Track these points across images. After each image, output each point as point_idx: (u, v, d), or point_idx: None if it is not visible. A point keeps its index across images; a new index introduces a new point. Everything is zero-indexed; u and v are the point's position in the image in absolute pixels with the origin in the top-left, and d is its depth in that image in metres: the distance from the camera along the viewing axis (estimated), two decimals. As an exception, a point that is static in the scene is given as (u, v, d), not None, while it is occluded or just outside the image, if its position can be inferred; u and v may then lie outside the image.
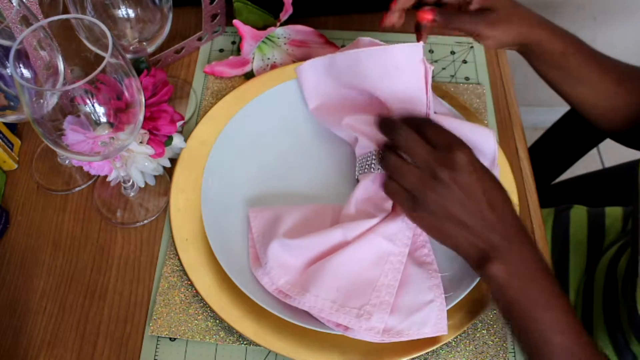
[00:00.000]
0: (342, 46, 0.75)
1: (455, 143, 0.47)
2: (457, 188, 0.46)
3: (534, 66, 0.62)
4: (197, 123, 0.63)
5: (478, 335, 0.54)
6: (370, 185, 0.55)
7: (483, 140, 0.55)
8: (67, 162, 0.63)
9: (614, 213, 0.76)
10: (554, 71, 0.61)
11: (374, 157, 0.55)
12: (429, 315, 0.49)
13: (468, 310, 0.53)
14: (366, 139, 0.57)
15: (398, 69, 0.55)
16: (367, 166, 0.56)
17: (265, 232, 0.54)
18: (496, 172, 0.55)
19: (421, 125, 0.48)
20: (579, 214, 0.78)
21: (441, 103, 0.63)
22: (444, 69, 0.73)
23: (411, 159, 0.47)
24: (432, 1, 0.59)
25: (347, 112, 0.60)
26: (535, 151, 0.94)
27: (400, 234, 0.51)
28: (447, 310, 0.51)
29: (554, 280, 0.46)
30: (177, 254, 0.56)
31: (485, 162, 0.53)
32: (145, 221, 0.60)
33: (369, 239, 0.51)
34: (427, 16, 0.58)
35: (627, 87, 0.60)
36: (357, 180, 0.58)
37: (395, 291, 0.49)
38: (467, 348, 0.53)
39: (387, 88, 0.56)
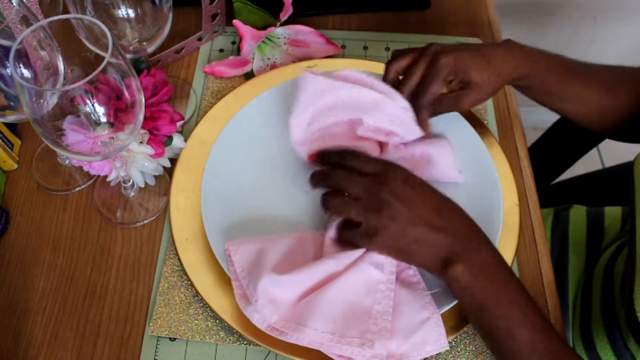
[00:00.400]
0: (343, 46, 0.75)
1: (387, 164, 0.50)
2: (400, 204, 0.47)
3: (521, 91, 0.63)
4: (197, 123, 0.63)
5: (478, 335, 0.54)
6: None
7: (441, 151, 0.59)
8: (67, 162, 0.63)
9: (613, 213, 0.76)
10: (539, 97, 0.62)
11: None
12: (428, 333, 0.49)
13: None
14: None
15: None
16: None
17: (251, 268, 0.52)
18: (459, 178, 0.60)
19: (349, 159, 0.52)
20: (578, 214, 0.78)
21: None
22: (444, 69, 0.73)
23: (351, 193, 0.50)
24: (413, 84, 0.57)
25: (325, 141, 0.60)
26: (535, 151, 0.94)
27: (386, 261, 0.51)
28: (447, 311, 0.51)
29: (515, 277, 0.48)
30: (177, 254, 0.56)
31: (449, 172, 0.59)
32: (145, 221, 0.60)
33: (359, 268, 0.50)
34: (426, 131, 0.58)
35: (613, 93, 0.61)
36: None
37: (391, 317, 0.49)
38: (467, 348, 0.53)
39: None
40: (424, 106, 0.55)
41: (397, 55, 0.58)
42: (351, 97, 0.59)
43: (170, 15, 0.58)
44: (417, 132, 0.58)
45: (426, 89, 0.54)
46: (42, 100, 0.42)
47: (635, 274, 0.52)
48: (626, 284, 0.55)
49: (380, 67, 0.67)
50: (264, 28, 0.68)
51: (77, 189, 0.62)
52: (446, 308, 0.51)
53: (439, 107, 0.56)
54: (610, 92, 0.61)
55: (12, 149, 0.62)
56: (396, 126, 0.58)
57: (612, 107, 0.61)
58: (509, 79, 0.57)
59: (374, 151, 0.59)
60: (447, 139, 0.61)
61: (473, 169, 0.60)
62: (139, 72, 0.56)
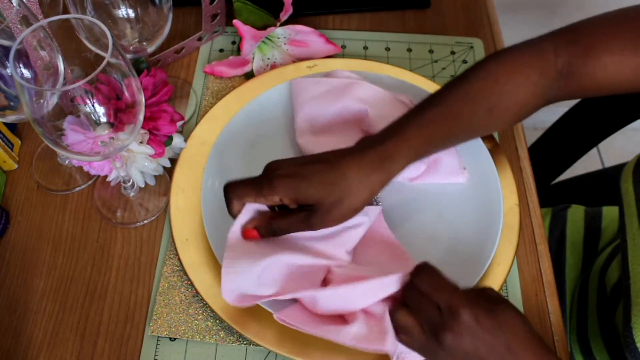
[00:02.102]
0: (343, 46, 0.75)
1: (457, 302, 0.43)
2: (460, 355, 0.43)
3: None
4: (197, 123, 0.63)
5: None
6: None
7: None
8: (67, 162, 0.63)
9: (610, 214, 0.76)
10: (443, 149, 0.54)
11: None
12: None
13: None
14: None
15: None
16: None
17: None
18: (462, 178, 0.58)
19: (426, 282, 0.45)
20: (576, 214, 0.78)
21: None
22: (444, 69, 0.73)
23: (419, 317, 0.45)
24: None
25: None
26: (535, 151, 0.94)
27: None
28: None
29: None
30: (177, 254, 0.56)
31: (453, 172, 0.56)
32: (145, 221, 0.60)
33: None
34: (252, 235, 0.51)
35: (501, 111, 0.52)
36: None
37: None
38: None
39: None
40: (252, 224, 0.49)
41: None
42: (345, 84, 0.62)
43: (170, 15, 0.58)
44: None
45: (242, 196, 0.49)
46: (42, 100, 0.42)
47: (632, 303, 0.52)
48: (620, 301, 0.54)
49: (380, 67, 0.68)
50: (264, 28, 0.68)
51: (77, 189, 0.62)
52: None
53: (284, 224, 0.49)
54: (494, 114, 0.52)
55: (12, 149, 0.62)
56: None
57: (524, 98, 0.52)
58: (375, 192, 0.49)
59: None
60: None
61: (473, 169, 0.60)
62: (139, 72, 0.56)
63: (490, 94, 0.50)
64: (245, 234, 0.49)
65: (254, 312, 0.51)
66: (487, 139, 0.63)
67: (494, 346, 0.42)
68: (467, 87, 0.50)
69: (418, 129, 0.49)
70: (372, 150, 0.48)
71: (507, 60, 0.51)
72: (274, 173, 0.48)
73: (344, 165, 0.47)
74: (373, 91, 0.62)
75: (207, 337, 0.53)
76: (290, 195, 0.47)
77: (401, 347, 0.47)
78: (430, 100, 0.51)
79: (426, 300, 0.44)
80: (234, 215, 0.50)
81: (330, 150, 0.49)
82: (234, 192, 0.49)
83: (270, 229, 0.49)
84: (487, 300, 0.44)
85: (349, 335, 0.47)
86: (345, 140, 0.60)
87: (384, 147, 0.48)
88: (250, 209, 0.49)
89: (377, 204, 0.58)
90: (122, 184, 0.60)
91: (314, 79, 0.64)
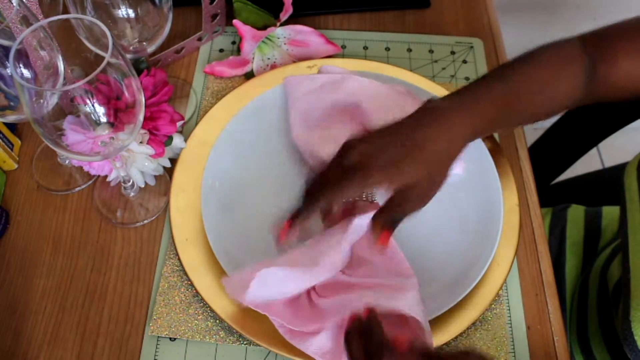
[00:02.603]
0: (343, 46, 0.75)
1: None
2: None
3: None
4: (197, 123, 0.63)
5: (478, 335, 0.54)
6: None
7: None
8: (67, 162, 0.63)
9: (610, 214, 0.76)
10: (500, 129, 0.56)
11: None
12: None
13: (467, 310, 0.53)
14: None
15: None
16: None
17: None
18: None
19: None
20: (576, 214, 0.78)
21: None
22: (443, 69, 0.73)
23: None
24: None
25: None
26: (535, 151, 0.94)
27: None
28: (447, 311, 0.51)
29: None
30: (177, 254, 0.56)
31: None
32: (145, 221, 0.60)
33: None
34: (384, 241, 0.49)
35: (553, 94, 0.54)
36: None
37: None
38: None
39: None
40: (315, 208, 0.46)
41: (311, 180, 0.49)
42: (337, 79, 0.63)
43: (170, 15, 0.58)
44: None
45: (341, 189, 0.45)
46: (42, 100, 0.42)
47: (631, 295, 0.52)
48: (620, 298, 0.54)
49: (380, 67, 0.68)
50: (264, 28, 0.68)
51: (77, 189, 0.62)
52: (450, 306, 0.51)
53: (393, 215, 0.47)
54: (548, 95, 0.54)
55: (12, 149, 0.62)
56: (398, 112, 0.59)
57: (566, 90, 0.54)
58: (462, 149, 0.49)
59: None
60: None
61: (473, 169, 0.60)
62: (139, 72, 0.56)
63: (545, 78, 0.52)
64: (381, 240, 0.47)
65: (254, 312, 0.51)
66: (487, 138, 0.63)
67: None
68: (531, 70, 0.52)
69: (483, 105, 0.49)
70: (444, 122, 0.48)
71: (560, 52, 0.53)
72: (364, 162, 0.46)
73: (427, 142, 0.47)
74: (365, 84, 0.63)
75: (207, 337, 0.53)
76: (391, 182, 0.46)
77: None
78: (495, 77, 0.52)
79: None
80: (329, 222, 0.49)
81: (401, 123, 0.48)
82: (322, 196, 0.46)
83: (394, 220, 0.47)
84: None
85: (312, 346, 0.47)
86: (340, 134, 0.61)
87: (451, 122, 0.48)
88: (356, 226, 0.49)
89: (372, 202, 0.58)
90: (122, 184, 0.60)
91: (306, 75, 0.65)
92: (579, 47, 0.53)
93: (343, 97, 0.61)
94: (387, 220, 0.47)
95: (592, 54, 0.52)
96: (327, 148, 0.59)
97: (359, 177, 0.45)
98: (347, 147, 0.48)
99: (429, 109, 0.49)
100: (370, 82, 0.63)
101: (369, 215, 0.53)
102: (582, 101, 0.54)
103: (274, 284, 0.48)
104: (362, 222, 0.52)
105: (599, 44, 0.53)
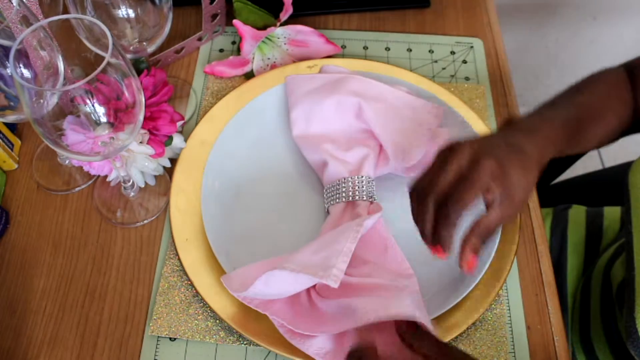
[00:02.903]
0: (343, 46, 0.75)
1: None
2: None
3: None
4: (197, 123, 0.63)
5: (478, 335, 0.54)
6: (339, 220, 0.55)
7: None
8: (67, 162, 0.63)
9: (611, 214, 0.76)
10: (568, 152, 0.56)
11: (344, 185, 0.57)
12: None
13: (467, 310, 0.53)
14: (339, 164, 0.58)
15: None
16: (336, 195, 0.57)
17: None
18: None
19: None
20: (577, 214, 0.78)
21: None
22: (444, 69, 0.73)
23: None
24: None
25: (327, 138, 0.62)
26: (535, 151, 0.94)
27: None
28: (447, 311, 0.51)
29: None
30: (177, 254, 0.56)
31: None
32: (145, 221, 0.60)
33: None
34: (473, 264, 0.45)
35: (606, 121, 0.57)
36: (327, 212, 0.58)
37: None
38: (467, 348, 0.53)
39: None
40: (453, 221, 0.43)
41: (417, 178, 0.47)
42: (337, 79, 0.63)
43: (170, 15, 0.58)
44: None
45: (459, 198, 0.42)
46: (42, 100, 0.42)
47: (636, 293, 0.52)
48: (623, 296, 0.54)
49: (380, 67, 0.68)
50: (264, 28, 0.68)
51: (77, 189, 0.62)
52: (450, 306, 0.51)
53: (484, 229, 0.44)
54: (602, 123, 0.56)
55: (12, 149, 0.62)
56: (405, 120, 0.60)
57: (611, 129, 0.57)
58: (540, 168, 0.49)
59: (374, 149, 0.60)
60: (446, 130, 0.62)
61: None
62: (139, 72, 0.56)
63: (601, 108, 0.55)
64: (470, 266, 0.44)
65: (254, 312, 0.51)
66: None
67: None
68: (585, 98, 0.55)
69: (557, 126, 0.51)
70: (532, 143, 0.48)
71: (607, 81, 0.58)
72: (479, 154, 0.44)
73: (529, 150, 0.47)
74: (365, 84, 0.63)
75: (207, 337, 0.53)
76: (496, 165, 0.43)
77: None
78: (555, 104, 0.54)
79: None
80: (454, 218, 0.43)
81: (501, 138, 0.48)
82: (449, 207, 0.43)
83: (491, 231, 0.44)
84: None
85: (312, 347, 0.48)
86: (339, 133, 0.60)
87: (538, 141, 0.48)
88: None
89: (372, 202, 0.58)
90: (122, 184, 0.60)
91: (307, 75, 0.65)
92: (624, 74, 0.58)
93: (344, 96, 0.61)
94: (476, 242, 0.44)
95: (634, 81, 0.57)
96: (326, 147, 0.60)
97: (475, 177, 0.43)
98: (452, 149, 0.46)
99: (513, 125, 0.50)
100: (371, 82, 0.63)
101: (375, 216, 0.53)
102: (631, 123, 0.58)
103: (277, 285, 0.48)
104: (368, 223, 0.52)
105: (637, 72, 0.58)
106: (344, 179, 0.57)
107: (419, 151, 0.59)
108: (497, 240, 0.55)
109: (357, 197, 0.56)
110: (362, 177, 0.57)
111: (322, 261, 0.48)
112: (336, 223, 0.56)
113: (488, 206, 0.44)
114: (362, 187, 0.57)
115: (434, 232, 0.44)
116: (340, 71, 0.66)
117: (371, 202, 0.57)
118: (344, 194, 0.57)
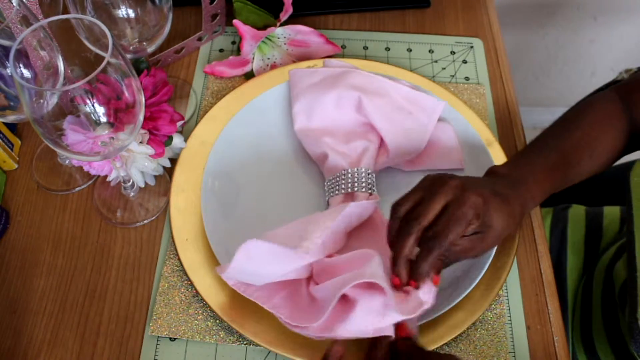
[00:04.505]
0: (343, 47, 0.75)
1: None
2: None
3: None
4: (197, 123, 0.63)
5: (478, 335, 0.54)
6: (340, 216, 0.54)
7: (445, 134, 0.62)
8: (67, 162, 0.63)
9: (611, 213, 0.76)
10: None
11: (343, 177, 0.57)
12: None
13: (467, 310, 0.53)
14: (339, 157, 0.59)
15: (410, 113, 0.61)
16: (336, 187, 0.57)
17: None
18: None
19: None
20: (577, 214, 0.78)
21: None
22: (444, 69, 0.73)
23: None
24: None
25: (329, 130, 0.62)
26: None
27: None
28: (447, 311, 0.51)
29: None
30: (177, 254, 0.56)
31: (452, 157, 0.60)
32: (145, 221, 0.60)
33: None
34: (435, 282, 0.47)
35: (601, 153, 0.57)
36: (328, 204, 0.58)
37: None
38: (467, 348, 0.53)
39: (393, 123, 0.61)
40: (435, 255, 0.44)
41: (401, 200, 0.48)
42: (339, 73, 0.64)
43: (170, 15, 0.58)
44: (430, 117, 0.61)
45: (445, 232, 0.44)
46: (42, 100, 0.42)
47: (638, 293, 0.52)
48: (628, 299, 0.54)
49: (380, 67, 0.68)
50: (264, 28, 0.68)
51: (77, 189, 0.62)
52: (451, 305, 0.51)
53: (451, 255, 0.46)
54: (597, 155, 0.57)
55: (12, 149, 0.62)
56: (407, 113, 0.61)
57: (609, 157, 0.58)
58: (520, 220, 0.51)
59: (374, 142, 0.60)
60: (450, 125, 0.62)
61: (473, 169, 0.60)
62: (139, 72, 0.56)
63: (591, 141, 0.56)
64: (435, 282, 0.46)
65: (254, 312, 0.51)
66: (487, 138, 0.63)
67: None
68: (574, 134, 0.56)
69: (541, 176, 0.52)
70: (515, 196, 0.49)
71: (597, 109, 0.58)
72: (466, 190, 0.46)
73: (512, 202, 0.49)
74: (366, 78, 0.63)
75: (207, 337, 0.53)
76: (482, 202, 0.45)
77: None
78: (543, 145, 0.56)
79: None
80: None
81: (488, 183, 0.49)
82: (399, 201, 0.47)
83: (455, 258, 0.47)
84: None
85: (309, 330, 0.47)
86: (339, 127, 0.61)
87: (521, 195, 0.50)
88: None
89: (371, 194, 0.57)
90: (122, 184, 0.60)
91: (310, 69, 0.65)
92: (616, 97, 0.58)
93: (344, 90, 0.61)
94: (439, 265, 0.46)
95: (628, 105, 0.57)
96: (326, 140, 0.60)
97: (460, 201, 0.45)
98: (440, 179, 0.47)
99: (496, 175, 0.51)
100: (373, 76, 0.63)
101: (366, 203, 0.54)
102: (625, 145, 0.58)
103: (258, 259, 0.47)
104: (356, 209, 0.52)
105: (630, 93, 0.58)
106: (344, 170, 0.58)
107: (418, 145, 0.59)
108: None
109: (355, 189, 0.57)
110: (362, 169, 0.57)
111: (299, 234, 0.49)
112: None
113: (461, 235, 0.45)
114: (362, 179, 0.57)
115: (414, 263, 0.45)
116: (343, 65, 0.66)
117: (370, 194, 0.57)
118: (343, 186, 0.57)
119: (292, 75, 0.64)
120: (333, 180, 0.58)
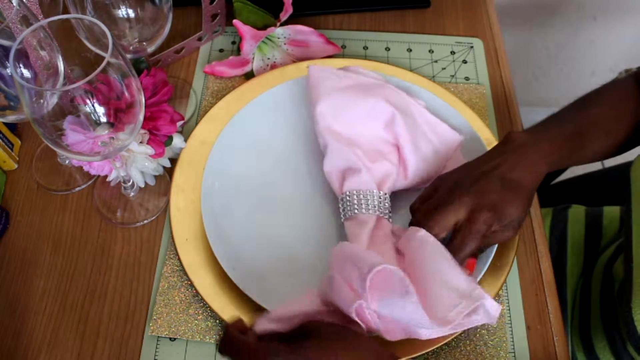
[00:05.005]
0: (343, 47, 0.75)
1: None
2: None
3: None
4: (197, 123, 0.63)
5: (478, 335, 0.54)
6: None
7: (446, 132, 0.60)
8: (67, 162, 0.63)
9: (611, 213, 0.76)
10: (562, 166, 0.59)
11: (369, 197, 0.56)
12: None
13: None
14: (368, 175, 0.56)
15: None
16: (364, 206, 0.55)
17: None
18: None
19: None
20: (577, 214, 0.78)
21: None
22: (444, 69, 0.73)
23: None
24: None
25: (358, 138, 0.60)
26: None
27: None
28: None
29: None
30: (177, 254, 0.56)
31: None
32: (145, 221, 0.60)
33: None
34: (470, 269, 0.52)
35: (616, 134, 0.59)
36: (345, 216, 0.56)
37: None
38: (467, 348, 0.53)
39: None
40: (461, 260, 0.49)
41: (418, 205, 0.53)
42: (371, 84, 0.62)
43: (170, 15, 0.58)
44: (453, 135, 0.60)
45: (462, 247, 0.49)
46: (42, 100, 0.42)
47: (633, 283, 0.52)
48: (624, 291, 0.54)
49: (380, 67, 0.68)
50: (264, 28, 0.68)
51: (77, 189, 0.62)
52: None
53: (484, 247, 0.52)
54: (612, 135, 0.58)
55: (12, 149, 0.62)
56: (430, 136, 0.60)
57: (620, 141, 0.59)
58: (535, 190, 0.53)
59: (395, 165, 0.59)
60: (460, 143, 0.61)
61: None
62: (139, 72, 0.56)
63: (609, 119, 0.57)
64: (470, 266, 0.51)
65: (254, 312, 0.51)
66: (488, 138, 0.63)
67: None
68: (592, 110, 0.58)
69: (558, 141, 0.54)
70: (522, 155, 0.52)
71: (617, 91, 0.59)
72: (475, 209, 0.49)
73: (506, 171, 0.51)
74: (397, 94, 0.61)
75: (207, 337, 0.53)
76: (494, 221, 0.49)
77: None
78: (561, 118, 0.57)
79: None
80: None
81: (484, 155, 0.53)
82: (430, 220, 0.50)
83: (483, 245, 0.51)
84: (292, 345, 0.43)
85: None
86: (367, 141, 0.60)
87: (527, 156, 0.52)
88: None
89: (389, 219, 0.57)
90: (122, 184, 0.60)
91: (333, 70, 0.63)
92: (633, 84, 0.59)
93: (379, 102, 0.59)
94: (480, 244, 0.50)
95: None
96: (359, 153, 0.58)
97: (450, 203, 0.49)
98: (440, 179, 0.53)
99: (509, 142, 0.53)
100: (402, 94, 0.62)
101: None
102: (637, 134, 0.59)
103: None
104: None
105: None
106: (375, 192, 0.56)
107: (433, 176, 0.59)
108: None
109: (380, 213, 0.55)
110: (385, 194, 0.56)
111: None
112: (374, 236, 0.54)
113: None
114: (385, 204, 0.56)
115: None
116: (370, 75, 0.64)
117: (391, 222, 0.57)
118: (375, 206, 0.55)
119: (314, 72, 0.62)
120: (358, 197, 0.56)
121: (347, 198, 0.56)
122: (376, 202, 0.55)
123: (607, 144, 0.58)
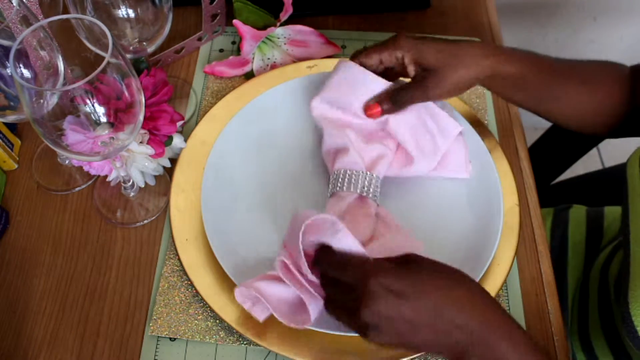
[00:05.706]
0: (343, 47, 0.75)
1: (362, 274, 0.42)
2: (385, 324, 0.41)
3: (496, 93, 0.59)
4: (197, 123, 0.63)
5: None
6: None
7: (455, 145, 0.58)
8: (67, 162, 0.63)
9: (612, 213, 0.76)
10: (518, 94, 0.58)
11: (355, 176, 0.56)
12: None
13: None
14: (357, 155, 0.57)
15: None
16: (349, 184, 0.56)
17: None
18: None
19: (332, 266, 0.45)
20: (578, 214, 0.78)
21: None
22: (444, 69, 0.73)
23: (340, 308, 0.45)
24: (373, 63, 0.56)
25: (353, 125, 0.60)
26: (535, 151, 0.94)
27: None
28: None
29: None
30: (177, 254, 0.56)
31: (459, 167, 0.59)
32: (145, 221, 0.60)
33: None
34: (375, 112, 0.56)
35: (592, 89, 0.57)
36: (331, 193, 0.57)
37: None
38: (467, 348, 0.53)
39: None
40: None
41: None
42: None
43: (170, 15, 0.58)
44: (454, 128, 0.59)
45: (368, 51, 0.54)
46: (42, 100, 0.42)
47: (630, 277, 0.52)
48: (621, 286, 0.55)
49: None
50: (264, 28, 0.68)
51: (77, 189, 0.62)
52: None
53: (403, 99, 0.54)
54: (588, 87, 0.57)
55: (12, 149, 0.62)
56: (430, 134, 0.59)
57: (592, 105, 0.57)
58: (480, 75, 0.53)
59: (391, 150, 0.59)
60: (461, 132, 0.60)
61: (473, 169, 0.60)
62: (139, 72, 0.56)
63: (588, 73, 0.57)
64: (368, 109, 0.56)
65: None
66: (488, 138, 0.63)
67: (417, 307, 0.41)
68: (573, 62, 0.57)
69: (532, 57, 0.55)
70: (489, 46, 0.54)
71: (607, 65, 0.58)
72: (400, 35, 0.54)
73: (466, 45, 0.53)
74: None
75: (207, 337, 0.53)
76: (414, 53, 0.53)
77: None
78: (548, 57, 0.57)
79: (338, 285, 0.44)
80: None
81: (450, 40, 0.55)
82: (361, 51, 0.56)
83: (394, 101, 0.54)
84: (399, 264, 0.43)
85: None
86: (363, 126, 0.59)
87: (501, 50, 0.54)
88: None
89: (375, 201, 0.57)
90: (122, 184, 0.60)
91: (365, 72, 0.58)
92: (628, 73, 0.58)
93: (380, 87, 0.58)
94: (392, 99, 0.55)
95: (636, 80, 0.57)
96: (349, 134, 0.58)
97: (391, 42, 0.55)
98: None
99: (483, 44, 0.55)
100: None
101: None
102: (618, 115, 0.58)
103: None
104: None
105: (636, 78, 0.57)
106: (362, 172, 0.57)
107: (428, 166, 0.58)
108: (497, 242, 0.55)
109: (364, 193, 0.56)
110: (373, 175, 0.57)
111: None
112: (349, 212, 0.56)
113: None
114: (371, 185, 0.57)
115: None
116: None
117: (377, 205, 0.57)
118: (358, 186, 0.56)
119: (342, 66, 0.59)
120: (343, 176, 0.57)
121: (334, 177, 0.58)
122: (364, 183, 0.56)
123: (579, 92, 0.56)
